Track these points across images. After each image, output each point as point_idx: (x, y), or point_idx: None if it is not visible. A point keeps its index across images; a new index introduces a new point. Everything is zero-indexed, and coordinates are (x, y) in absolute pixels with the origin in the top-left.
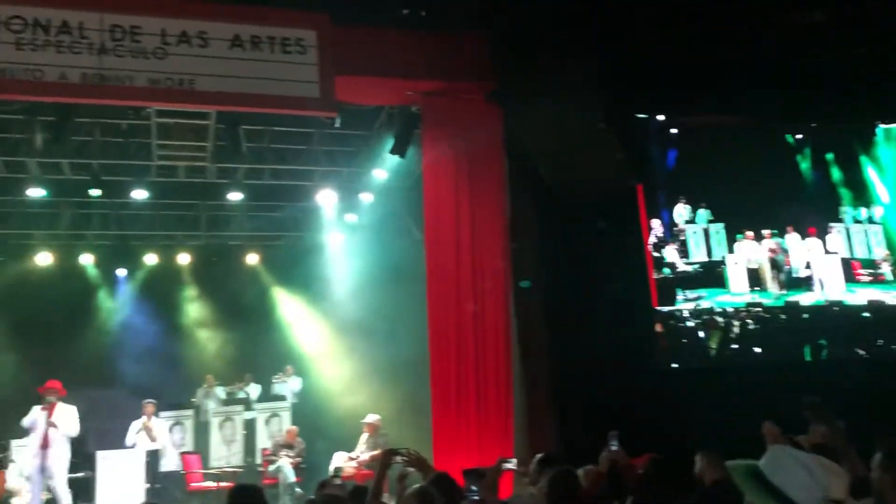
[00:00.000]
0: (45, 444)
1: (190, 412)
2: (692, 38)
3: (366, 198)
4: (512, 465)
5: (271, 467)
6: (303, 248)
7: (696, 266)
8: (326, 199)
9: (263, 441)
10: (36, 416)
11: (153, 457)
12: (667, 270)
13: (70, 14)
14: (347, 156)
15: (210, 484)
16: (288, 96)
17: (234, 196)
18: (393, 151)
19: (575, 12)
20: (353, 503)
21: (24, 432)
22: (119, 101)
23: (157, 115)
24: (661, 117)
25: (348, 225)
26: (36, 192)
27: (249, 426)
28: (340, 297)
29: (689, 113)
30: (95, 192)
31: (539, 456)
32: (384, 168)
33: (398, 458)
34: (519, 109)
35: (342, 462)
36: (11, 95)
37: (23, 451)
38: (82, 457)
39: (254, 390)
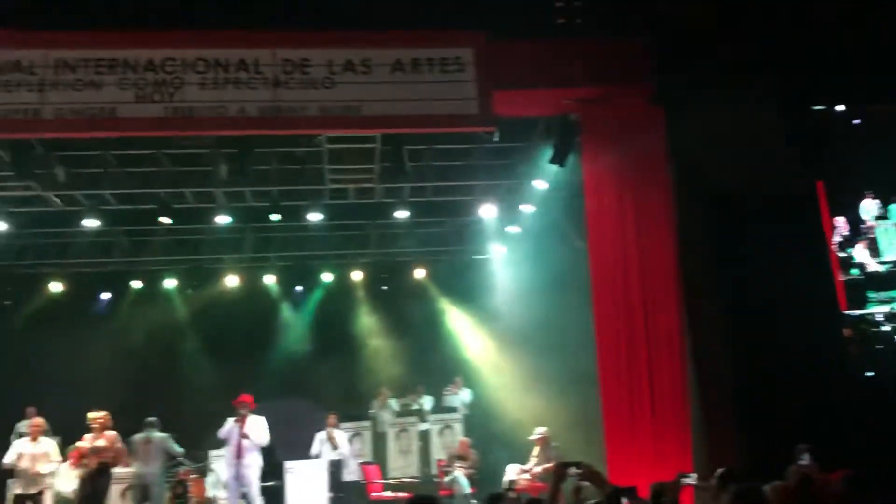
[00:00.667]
0: (239, 454)
1: (368, 423)
2: (871, 22)
3: (526, 209)
4: (692, 480)
5: (447, 478)
6: (467, 261)
7: (889, 265)
8: (488, 212)
9: (438, 452)
10: (230, 427)
11: (336, 466)
12: (855, 271)
13: (246, 52)
14: (507, 168)
15: (389, 494)
16: (448, 114)
17: (401, 214)
18: (552, 161)
19: (740, 4)
20: None
21: (220, 443)
22: (293, 130)
23: (328, 142)
24: (840, 108)
25: (510, 236)
26: (223, 220)
27: (424, 437)
28: (505, 309)
29: (873, 101)
30: (275, 217)
31: (721, 471)
32: (544, 178)
33: (572, 472)
34: (684, 110)
35: (515, 475)
36: (199, 132)
37: (219, 461)
38: (271, 466)
39: (427, 402)
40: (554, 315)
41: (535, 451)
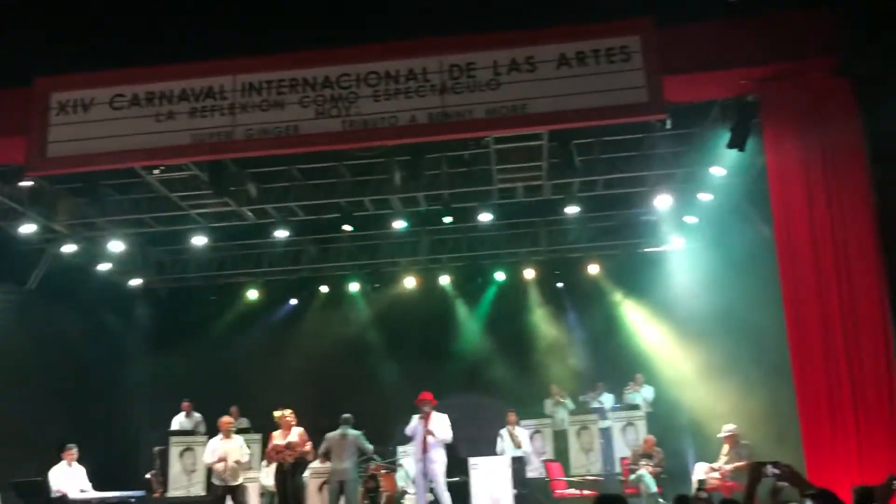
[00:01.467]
0: (424, 450)
1: (548, 421)
2: None
3: (704, 197)
4: None
5: (632, 476)
6: (642, 253)
7: None
8: (663, 202)
9: (621, 450)
10: (415, 424)
11: (519, 463)
12: None
13: (414, 62)
14: (681, 156)
15: (573, 491)
16: (616, 105)
17: (571, 210)
18: (730, 145)
19: None
20: None
21: (405, 439)
22: (462, 134)
23: (495, 143)
24: None
25: (688, 227)
26: (399, 224)
27: (605, 435)
28: (685, 301)
29: None
30: (447, 220)
31: None
32: (722, 164)
33: (769, 472)
34: (878, 84)
35: (703, 473)
36: (374, 142)
37: (406, 457)
38: (455, 462)
39: (606, 399)
40: (737, 305)
41: (725, 448)
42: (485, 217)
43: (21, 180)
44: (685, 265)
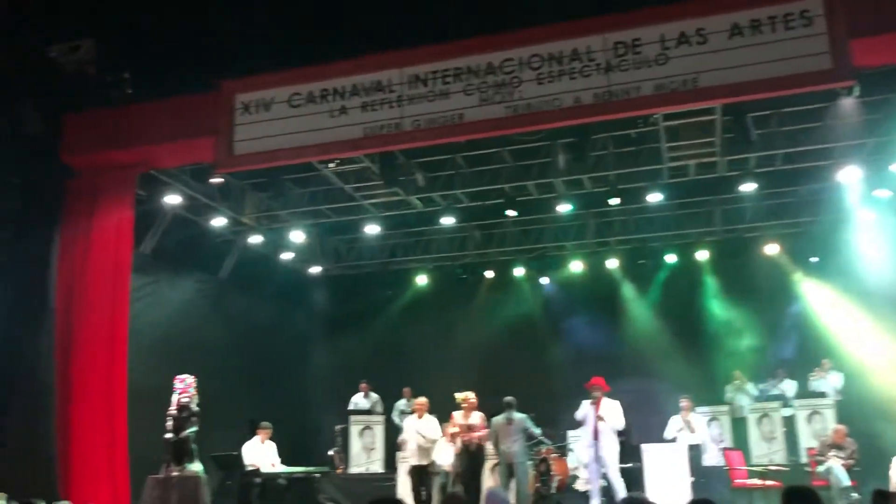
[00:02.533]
0: (595, 436)
1: (724, 408)
2: None
3: None
4: None
5: (820, 468)
6: (826, 231)
7: None
8: (850, 175)
9: (806, 440)
10: (586, 409)
11: (695, 451)
12: None
13: (577, 42)
14: (871, 125)
15: (755, 481)
16: (797, 74)
17: (747, 187)
18: None
19: None
20: None
21: (575, 424)
22: (629, 112)
23: (664, 119)
24: None
25: (879, 201)
26: (564, 208)
27: (789, 424)
28: (877, 282)
29: None
30: (614, 201)
31: None
32: None
33: None
34: None
35: None
36: (538, 126)
37: (577, 441)
38: (628, 448)
39: (789, 386)
40: None
41: None
42: (654, 197)
43: (211, 177)
44: (875, 243)
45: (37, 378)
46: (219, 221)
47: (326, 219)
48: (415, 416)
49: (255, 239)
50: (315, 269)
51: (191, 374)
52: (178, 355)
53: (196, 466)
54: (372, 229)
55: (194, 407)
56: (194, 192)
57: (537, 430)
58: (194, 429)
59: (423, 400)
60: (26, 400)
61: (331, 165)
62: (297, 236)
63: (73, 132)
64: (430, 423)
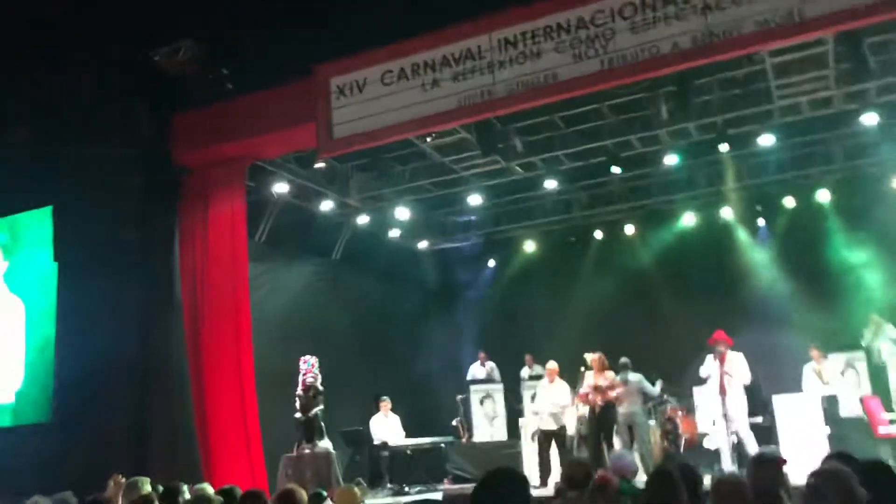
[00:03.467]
0: (722, 391)
1: (860, 355)
2: None
3: None
4: None
5: None
6: None
7: None
8: None
9: None
10: (710, 365)
11: (830, 402)
12: None
13: None
14: None
15: None
16: None
17: (869, 119)
18: None
19: None
20: None
21: (701, 380)
22: (731, 53)
23: (770, 56)
24: None
25: None
26: (671, 160)
27: None
28: None
29: None
30: (724, 148)
31: None
32: None
33: None
34: None
35: None
36: (636, 76)
37: (704, 398)
38: (758, 402)
39: None
40: None
41: None
42: (766, 140)
43: (315, 163)
44: None
45: (171, 371)
46: (327, 205)
47: (430, 194)
48: (545, 380)
49: (363, 219)
50: (423, 244)
51: (313, 354)
52: (300, 338)
53: (326, 443)
54: (475, 200)
55: (319, 386)
56: (301, 179)
57: (655, 389)
58: (321, 407)
59: (553, 365)
60: (164, 394)
61: (428, 140)
62: (403, 213)
63: (183, 132)
64: (561, 387)
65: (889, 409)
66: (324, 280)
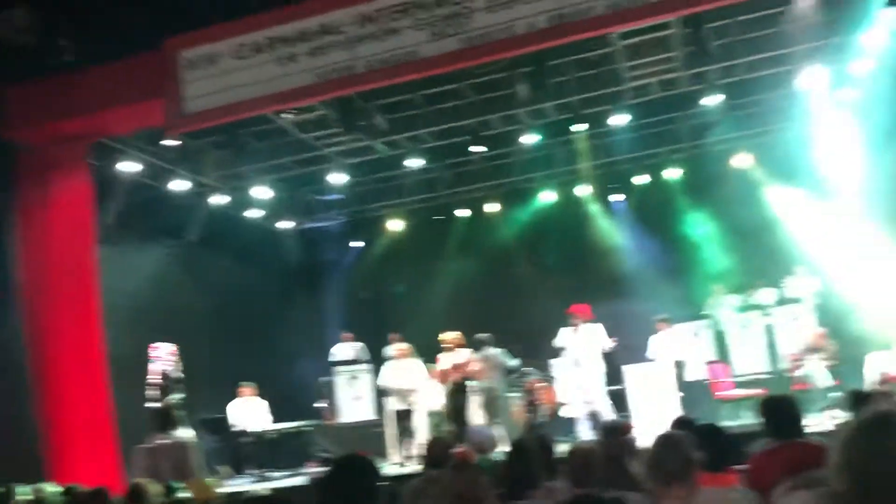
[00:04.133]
0: (578, 361)
1: (705, 323)
2: None
3: (861, 67)
4: None
5: (800, 372)
6: (795, 137)
7: None
8: (812, 79)
9: (787, 346)
10: (566, 336)
11: (678, 367)
12: None
13: None
14: (830, 25)
15: (738, 392)
16: None
17: (712, 100)
18: (893, 2)
19: None
20: None
21: (560, 352)
22: (584, 34)
23: (621, 38)
24: None
25: (844, 103)
26: (530, 139)
27: (769, 332)
28: (848, 182)
29: None
30: (580, 127)
31: None
32: (881, 28)
33: None
34: None
35: (881, 365)
36: (493, 56)
37: (561, 370)
38: (612, 371)
39: (767, 295)
40: None
41: None
42: (619, 119)
43: (166, 139)
44: (844, 143)
45: (9, 361)
46: (181, 184)
47: (291, 171)
48: (394, 360)
49: (221, 199)
50: (285, 224)
51: (171, 340)
52: (156, 323)
53: (186, 432)
54: (339, 178)
55: (176, 374)
56: (152, 158)
57: (514, 363)
58: (179, 395)
59: (403, 346)
60: (2, 384)
61: (287, 116)
62: (263, 192)
63: (17, 106)
64: (411, 366)
65: (731, 373)
66: (179, 263)
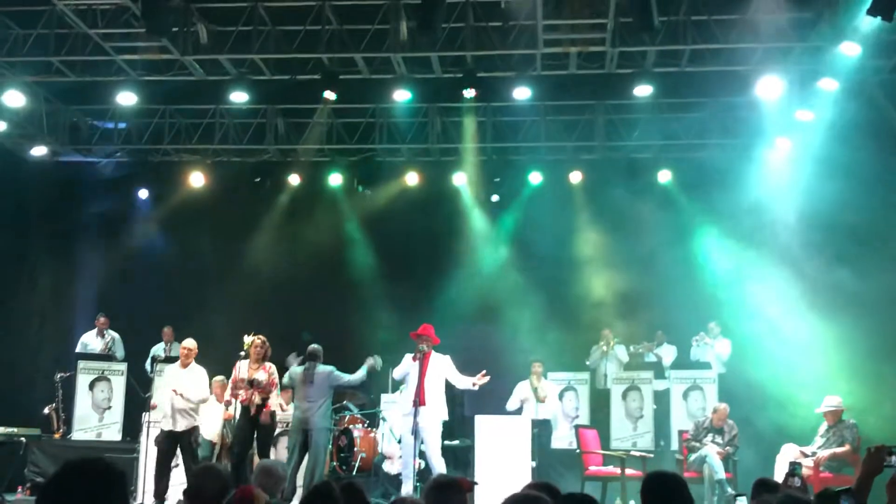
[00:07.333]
0: (419, 402)
1: (585, 375)
2: None
3: (828, 85)
4: None
5: (692, 456)
6: (734, 158)
7: None
8: (770, 88)
9: (681, 421)
10: (408, 366)
11: (542, 427)
12: None
13: None
14: (802, 26)
15: (610, 469)
16: None
17: (642, 90)
18: (873, 11)
19: None
20: None
21: (394, 385)
22: None
23: None
24: None
25: (800, 125)
26: (402, 95)
27: (662, 400)
28: (786, 228)
29: None
30: (469, 93)
31: None
32: (855, 40)
33: (894, 461)
34: None
35: (794, 458)
36: None
37: (392, 408)
38: (458, 420)
39: (667, 353)
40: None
41: (823, 428)
42: (522, 93)
43: None
44: (791, 177)
45: None
46: None
47: (60, 77)
48: (177, 365)
49: None
50: (38, 150)
51: None
52: None
53: None
54: (127, 98)
55: None
56: None
57: (351, 378)
58: None
59: (191, 344)
60: None
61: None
62: (15, 98)
63: None
64: (197, 375)
65: (606, 444)
66: None
